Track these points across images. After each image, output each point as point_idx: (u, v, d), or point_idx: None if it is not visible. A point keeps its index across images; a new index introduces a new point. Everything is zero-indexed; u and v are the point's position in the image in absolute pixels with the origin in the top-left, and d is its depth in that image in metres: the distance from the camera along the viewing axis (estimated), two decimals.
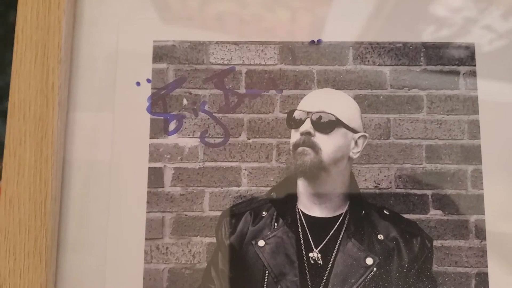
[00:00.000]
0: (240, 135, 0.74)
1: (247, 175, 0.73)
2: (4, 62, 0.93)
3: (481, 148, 0.74)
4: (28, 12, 0.73)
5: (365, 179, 0.73)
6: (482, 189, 0.73)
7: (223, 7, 0.77)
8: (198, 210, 0.72)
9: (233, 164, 0.73)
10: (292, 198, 0.73)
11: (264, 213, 0.72)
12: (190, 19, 0.77)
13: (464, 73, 0.75)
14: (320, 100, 0.74)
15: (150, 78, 0.75)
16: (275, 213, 0.72)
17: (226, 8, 0.77)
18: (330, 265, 0.70)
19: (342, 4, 0.77)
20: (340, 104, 0.74)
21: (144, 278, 0.70)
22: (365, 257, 0.70)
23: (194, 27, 0.76)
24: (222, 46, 0.76)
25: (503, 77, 0.75)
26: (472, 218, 0.72)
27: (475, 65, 0.75)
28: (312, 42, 0.76)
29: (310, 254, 0.70)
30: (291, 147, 0.73)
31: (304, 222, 0.72)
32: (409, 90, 0.75)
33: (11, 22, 0.93)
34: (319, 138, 0.72)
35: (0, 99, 0.92)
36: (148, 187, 0.73)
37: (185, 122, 0.74)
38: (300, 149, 0.72)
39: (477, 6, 0.78)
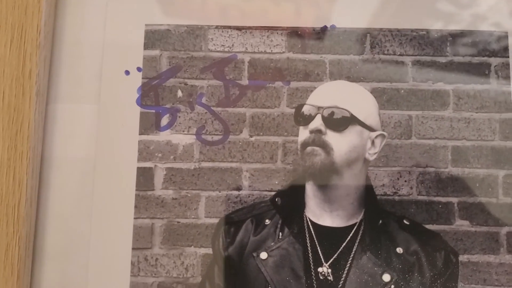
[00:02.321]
0: (241, 132, 0.72)
1: (249, 177, 0.71)
2: None
3: None
4: None
5: (383, 184, 0.70)
6: None
7: None
8: (193, 216, 0.70)
9: (233, 164, 0.71)
10: (300, 205, 0.70)
11: (267, 221, 0.70)
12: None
13: (495, 66, 0.73)
14: (332, 94, 0.71)
15: (141, 66, 0.73)
16: (280, 222, 0.70)
17: None
18: (341, 282, 0.67)
19: None
20: (355, 98, 0.71)
21: None
22: (382, 273, 0.67)
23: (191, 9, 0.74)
24: (222, 32, 0.74)
25: None
26: (504, 230, 0.70)
27: (508, 57, 0.73)
28: (325, 28, 0.73)
29: (319, 269, 0.67)
30: (299, 147, 0.71)
31: (313, 232, 0.69)
32: (433, 83, 0.73)
33: None
34: (331, 137, 0.69)
35: None
36: (136, 190, 0.71)
37: (179, 117, 0.72)
38: (309, 148, 0.69)
39: None
